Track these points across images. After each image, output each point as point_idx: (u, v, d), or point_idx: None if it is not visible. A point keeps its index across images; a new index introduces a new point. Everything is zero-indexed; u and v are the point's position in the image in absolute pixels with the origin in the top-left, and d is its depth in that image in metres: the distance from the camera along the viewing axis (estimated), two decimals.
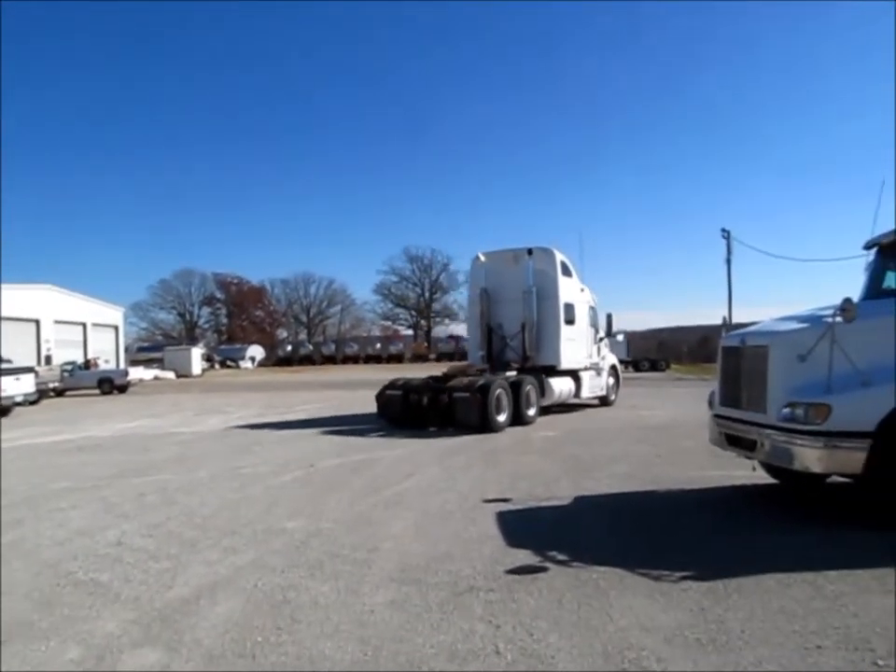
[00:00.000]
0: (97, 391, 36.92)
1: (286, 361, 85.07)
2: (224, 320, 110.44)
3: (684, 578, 5.15)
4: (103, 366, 44.37)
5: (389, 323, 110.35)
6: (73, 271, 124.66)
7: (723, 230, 46.87)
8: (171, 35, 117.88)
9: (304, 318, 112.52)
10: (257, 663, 3.97)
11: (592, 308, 20.13)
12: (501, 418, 15.44)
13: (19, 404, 24.24)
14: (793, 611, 4.48)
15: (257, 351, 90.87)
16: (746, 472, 8.45)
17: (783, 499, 8.00)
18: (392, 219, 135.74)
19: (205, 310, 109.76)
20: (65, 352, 46.54)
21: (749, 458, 7.58)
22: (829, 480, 7.39)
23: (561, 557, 5.73)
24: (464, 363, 19.28)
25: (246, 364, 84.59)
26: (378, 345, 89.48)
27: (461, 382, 15.84)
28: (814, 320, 6.94)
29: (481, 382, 15.47)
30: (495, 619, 4.47)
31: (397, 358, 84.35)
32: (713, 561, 5.58)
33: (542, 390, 17.28)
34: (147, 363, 62.10)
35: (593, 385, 20.04)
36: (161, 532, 6.97)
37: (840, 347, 6.29)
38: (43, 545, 6.62)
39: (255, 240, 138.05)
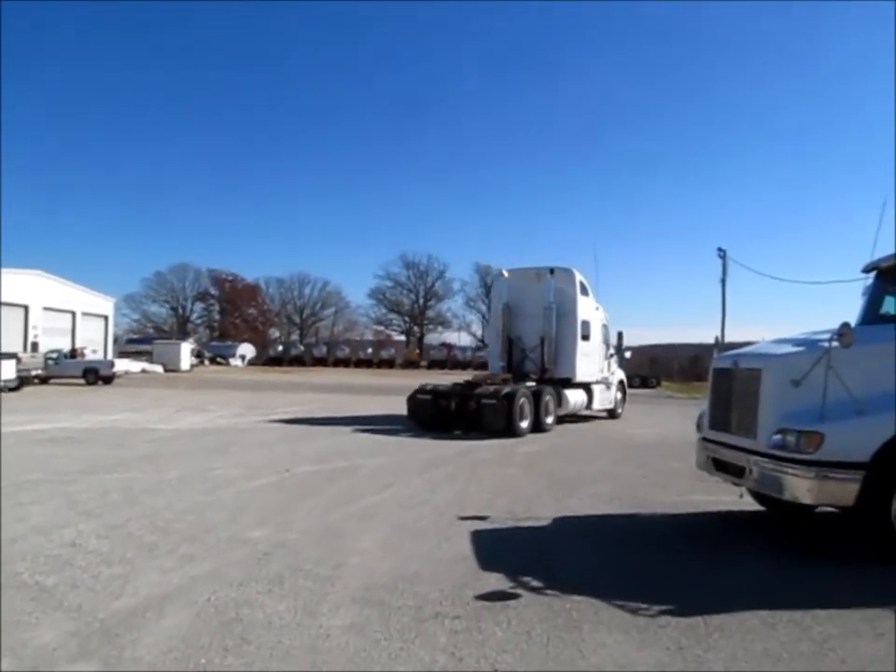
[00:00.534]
0: (82, 381, 36.52)
1: (276, 361, 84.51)
2: (217, 316, 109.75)
3: (663, 612, 4.85)
4: (90, 356, 43.99)
5: (382, 328, 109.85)
6: (66, 259, 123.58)
7: (719, 249, 46.63)
8: (171, 30, 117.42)
9: (297, 319, 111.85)
10: None
11: (604, 325, 21.22)
12: (524, 424, 16.56)
13: None
14: (778, 654, 4.20)
15: (247, 349, 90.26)
16: (733, 498, 8.17)
17: (770, 529, 7.73)
18: (391, 224, 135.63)
19: (198, 305, 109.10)
20: (53, 340, 46.03)
21: (736, 485, 7.31)
22: (818, 509, 7.13)
23: (535, 584, 5.43)
24: (487, 372, 20.19)
25: (236, 362, 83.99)
26: (370, 350, 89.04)
27: (488, 389, 16.95)
28: (809, 344, 6.68)
29: (507, 390, 16.61)
30: (458, 650, 4.16)
31: (388, 364, 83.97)
32: (695, 595, 5.28)
33: (559, 400, 18.36)
34: (136, 355, 61.50)
35: (603, 399, 21.07)
36: (119, 534, 6.65)
37: (836, 373, 6.02)
38: None
39: (252, 237, 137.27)
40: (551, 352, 19.13)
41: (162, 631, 4.36)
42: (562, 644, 4.30)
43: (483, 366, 78.64)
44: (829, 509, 6.75)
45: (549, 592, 5.24)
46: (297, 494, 8.79)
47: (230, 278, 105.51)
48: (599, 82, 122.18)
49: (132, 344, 75.11)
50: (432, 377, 58.46)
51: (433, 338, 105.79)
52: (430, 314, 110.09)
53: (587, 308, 19.94)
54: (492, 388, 16.97)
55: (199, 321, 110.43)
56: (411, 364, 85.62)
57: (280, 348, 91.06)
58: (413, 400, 18.00)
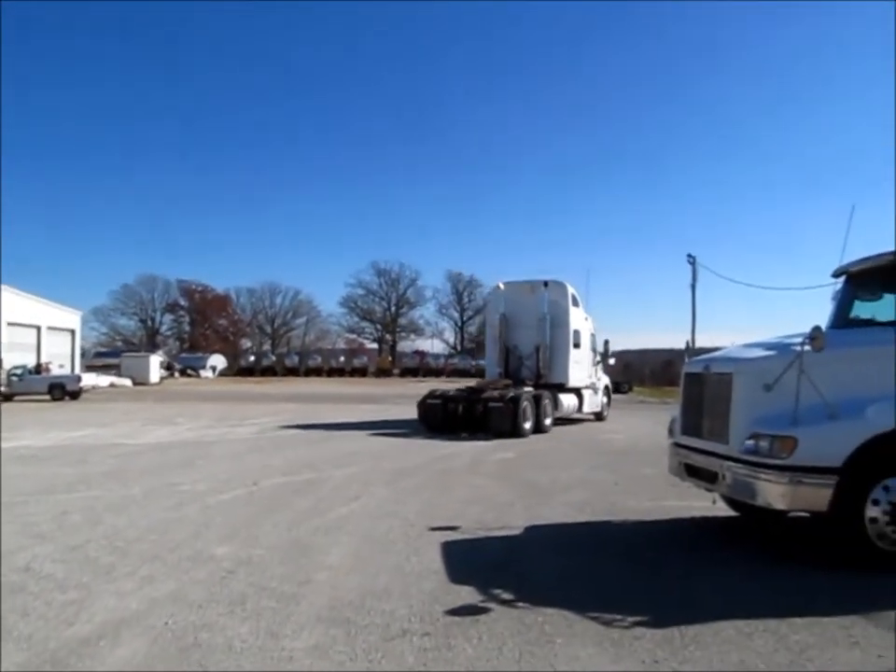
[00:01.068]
0: (48, 397, 35.79)
1: (247, 372, 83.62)
2: (187, 328, 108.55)
3: (637, 623, 4.73)
4: (56, 371, 43.13)
5: (354, 336, 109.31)
6: (31, 273, 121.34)
7: (689, 255, 47.09)
8: (130, 37, 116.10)
9: (269, 329, 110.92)
10: None
11: (592, 334, 23.08)
12: (527, 426, 18.11)
13: None
14: (754, 666, 4.09)
15: (218, 360, 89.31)
16: (705, 503, 8.10)
17: (743, 534, 7.67)
18: (362, 231, 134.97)
19: (168, 317, 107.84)
20: (18, 355, 45.05)
21: (709, 491, 7.23)
22: (790, 514, 7.07)
23: (506, 596, 5.28)
24: (489, 378, 21.27)
25: (207, 373, 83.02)
26: (342, 358, 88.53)
27: (493, 394, 18.35)
28: (781, 348, 6.63)
29: (511, 394, 18.14)
30: (426, 669, 4.00)
31: (360, 372, 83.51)
32: (669, 604, 5.17)
33: (555, 404, 20.01)
34: (104, 369, 60.56)
35: (591, 402, 22.80)
36: (76, 557, 6.38)
37: (808, 377, 5.97)
38: None
39: (221, 247, 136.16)
40: (545, 359, 20.50)
41: (116, 660, 4.14)
42: (534, 659, 4.16)
43: (457, 373, 79.39)
44: (801, 513, 6.70)
45: (520, 604, 5.11)
46: (264, 507, 8.58)
47: (199, 289, 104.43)
48: (571, 88, 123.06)
49: (99, 358, 73.98)
50: (405, 385, 58.63)
51: (406, 345, 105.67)
52: (403, 321, 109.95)
53: (578, 318, 21.52)
54: (497, 393, 18.31)
55: (168, 333, 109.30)
56: (383, 372, 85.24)
57: (252, 359, 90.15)
58: (423, 406, 19.32)
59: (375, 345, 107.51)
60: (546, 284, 20.72)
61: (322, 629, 4.62)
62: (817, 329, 5.92)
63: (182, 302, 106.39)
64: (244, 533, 7.25)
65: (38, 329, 51.43)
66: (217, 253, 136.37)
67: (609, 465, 12.81)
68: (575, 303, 21.33)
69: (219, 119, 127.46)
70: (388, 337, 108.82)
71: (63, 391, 36.55)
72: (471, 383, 21.96)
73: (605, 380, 24.76)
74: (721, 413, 6.71)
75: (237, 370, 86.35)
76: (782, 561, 6.42)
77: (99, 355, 78.48)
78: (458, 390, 19.89)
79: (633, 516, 8.31)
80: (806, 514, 6.61)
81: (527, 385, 19.66)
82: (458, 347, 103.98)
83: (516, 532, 7.48)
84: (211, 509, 8.49)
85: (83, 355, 64.45)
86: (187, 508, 8.53)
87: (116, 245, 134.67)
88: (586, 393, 22.25)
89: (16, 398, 35.13)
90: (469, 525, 7.72)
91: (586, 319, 22.45)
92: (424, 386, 55.57)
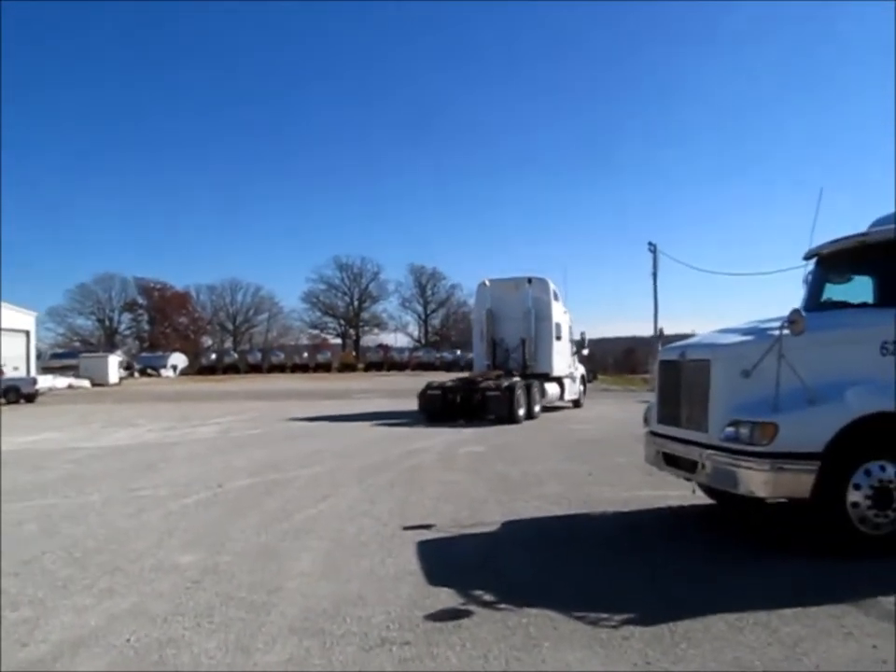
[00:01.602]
0: (2, 401, 34.74)
1: (209, 370, 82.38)
2: (146, 327, 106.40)
3: (625, 622, 4.55)
4: (10, 373, 41.98)
5: (317, 332, 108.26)
6: None
7: (650, 243, 47.51)
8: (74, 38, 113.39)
9: (230, 326, 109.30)
10: None
11: (570, 326, 24.69)
12: (521, 412, 19.55)
13: None
14: (750, 663, 3.93)
15: (179, 359, 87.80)
16: (681, 492, 8.04)
17: (723, 523, 7.57)
18: (322, 226, 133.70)
19: (126, 316, 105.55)
20: None
21: (688, 480, 7.11)
22: (769, 500, 6.97)
23: (487, 598, 5.07)
24: (481, 370, 22.31)
25: (168, 373, 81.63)
26: (305, 354, 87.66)
27: (490, 384, 19.71)
28: (758, 333, 6.51)
29: (507, 383, 19.59)
30: None
31: (324, 368, 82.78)
32: (655, 599, 5.02)
33: (542, 392, 21.42)
34: (62, 371, 59.17)
35: (571, 390, 24.49)
36: (31, 570, 6.01)
37: (787, 362, 5.84)
38: None
39: (180, 244, 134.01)
40: (531, 351, 21.99)
41: None
42: (522, 666, 3.96)
43: (422, 366, 79.15)
44: (780, 500, 6.60)
45: (503, 606, 4.90)
46: (230, 511, 8.26)
47: (158, 286, 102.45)
48: (527, 81, 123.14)
49: (56, 359, 72.25)
50: (371, 380, 58.28)
51: (370, 340, 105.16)
52: (366, 315, 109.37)
53: (559, 312, 23.13)
54: (493, 383, 19.75)
55: (127, 332, 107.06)
56: (347, 367, 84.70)
57: (213, 356, 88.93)
58: (423, 396, 20.48)
59: (339, 340, 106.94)
60: (530, 280, 22.15)
61: (295, 641, 4.37)
62: (796, 311, 5.79)
63: (140, 301, 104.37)
64: (209, 539, 6.94)
65: None
66: (175, 250, 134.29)
67: (582, 455, 12.69)
68: (556, 298, 22.86)
69: (175, 116, 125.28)
70: (352, 332, 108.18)
71: (17, 394, 35.51)
72: (464, 374, 23.87)
73: (581, 369, 26.42)
74: (699, 401, 6.57)
75: (199, 368, 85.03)
76: (764, 549, 6.33)
77: (56, 356, 76.57)
78: (454, 381, 21.18)
79: (610, 507, 8.16)
80: (785, 501, 6.53)
81: (514, 376, 20.77)
82: (422, 340, 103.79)
83: (492, 528, 7.28)
84: (174, 514, 8.15)
85: (39, 356, 62.79)
86: (148, 514, 8.17)
87: (71, 243, 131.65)
88: (567, 382, 23.84)
89: None
90: (443, 522, 7.50)
91: (565, 313, 24.00)
92: (389, 381, 55.62)
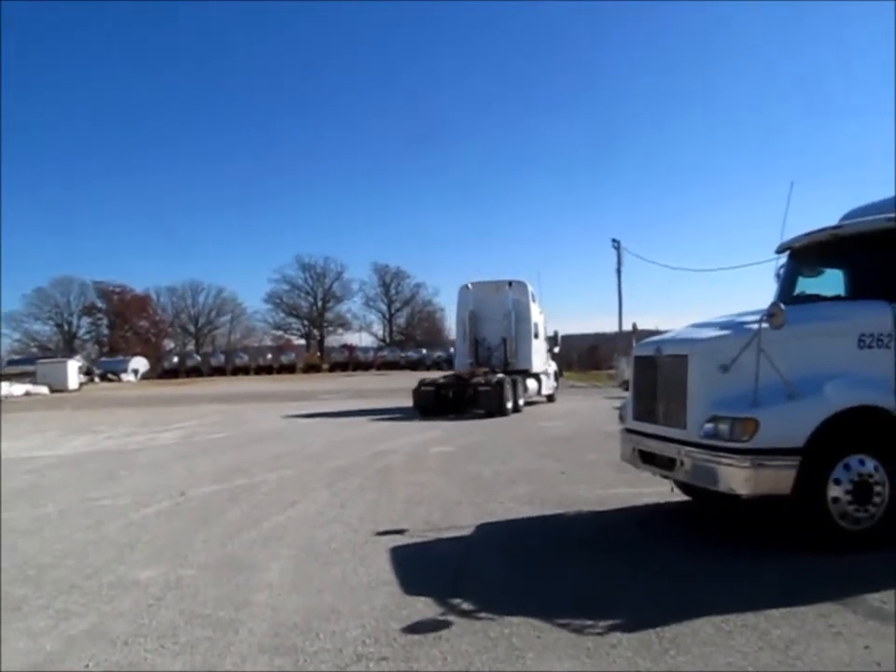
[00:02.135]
0: None
1: (172, 373, 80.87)
2: (105, 331, 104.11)
3: (611, 628, 4.38)
4: None
5: (281, 333, 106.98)
6: None
7: (614, 240, 47.86)
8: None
9: (192, 328, 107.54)
10: None
11: (545, 326, 26.25)
12: (509, 405, 21.05)
13: None
14: (743, 669, 3.79)
15: (140, 363, 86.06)
16: (656, 489, 7.95)
17: (701, 520, 7.46)
18: (283, 226, 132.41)
19: (85, 320, 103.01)
20: None
21: (665, 478, 6.99)
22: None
23: (466, 606, 4.88)
24: (466, 368, 23.32)
25: (129, 377, 79.98)
26: (269, 356, 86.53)
27: (480, 380, 21.26)
28: (735, 327, 6.40)
29: (496, 378, 21.19)
30: None
31: (289, 369, 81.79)
32: (639, 602, 4.87)
33: (525, 387, 22.94)
34: (19, 377, 57.72)
35: (547, 386, 25.88)
36: None
37: (767, 356, 5.73)
38: None
39: (138, 246, 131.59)
40: (512, 349, 23.46)
41: None
42: None
43: (387, 365, 78.86)
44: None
45: (483, 615, 4.70)
46: (194, 520, 7.94)
47: (117, 290, 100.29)
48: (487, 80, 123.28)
49: (13, 366, 70.47)
50: (336, 380, 57.70)
51: (334, 340, 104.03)
52: (330, 315, 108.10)
53: (536, 313, 24.68)
54: (483, 379, 21.27)
55: (87, 337, 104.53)
56: (312, 368, 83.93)
57: (175, 360, 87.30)
58: (418, 392, 22.09)
59: (303, 341, 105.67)
60: (510, 284, 23.86)
61: (266, 660, 4.12)
62: (776, 304, 5.70)
63: (99, 305, 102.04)
64: (171, 551, 6.63)
65: None
66: (134, 252, 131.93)
67: (553, 452, 12.56)
68: (533, 300, 24.48)
69: (133, 116, 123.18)
70: (316, 332, 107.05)
71: None
72: (448, 372, 25.64)
73: (553, 365, 27.92)
74: (677, 397, 6.44)
75: (161, 372, 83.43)
76: (744, 547, 6.21)
77: (13, 363, 74.71)
78: (445, 378, 23.15)
79: (585, 507, 8.01)
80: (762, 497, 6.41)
81: (498, 373, 22.11)
82: (387, 340, 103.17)
83: (467, 532, 7.07)
84: (135, 525, 7.81)
85: None
86: (107, 526, 7.81)
87: (27, 247, 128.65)
88: (543, 378, 25.30)
89: None
90: (416, 526, 7.29)
91: (541, 313, 25.51)
92: (354, 381, 55.20)
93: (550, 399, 26.81)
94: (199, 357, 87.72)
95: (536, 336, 24.43)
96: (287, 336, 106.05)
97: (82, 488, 10.39)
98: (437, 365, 67.92)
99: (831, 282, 7.71)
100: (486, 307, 23.80)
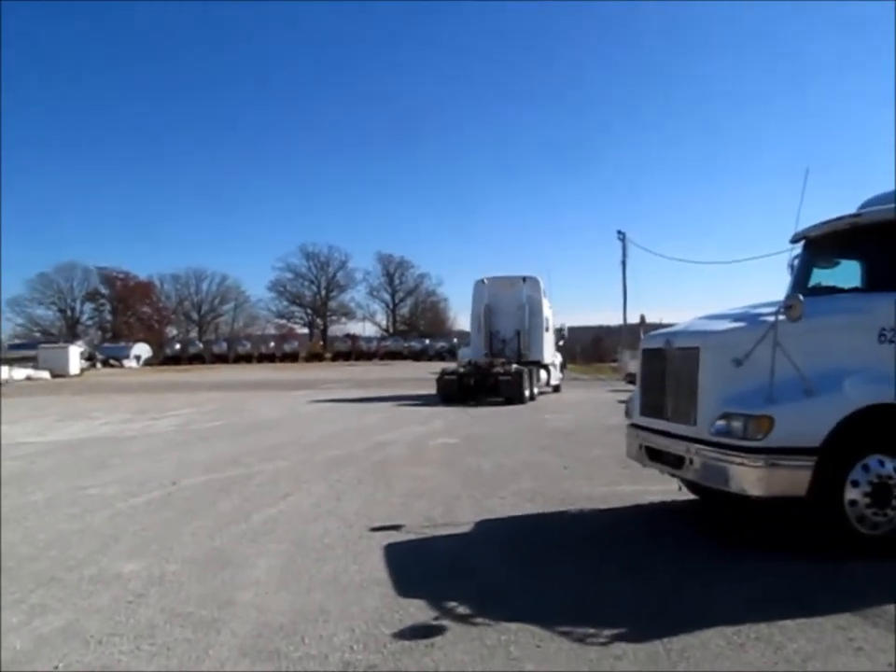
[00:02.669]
0: None
1: (174, 360, 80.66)
2: (108, 317, 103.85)
3: (615, 637, 4.11)
4: None
5: (284, 321, 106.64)
6: None
7: (619, 231, 47.50)
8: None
9: (195, 315, 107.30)
10: None
11: (553, 320, 27.53)
12: (527, 393, 22.61)
13: None
14: None
15: (142, 349, 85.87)
16: (662, 487, 7.68)
17: (708, 521, 7.17)
18: (288, 214, 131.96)
19: (88, 306, 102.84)
20: None
21: (673, 476, 6.70)
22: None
23: (462, 610, 4.60)
24: (488, 359, 24.27)
25: (131, 363, 79.80)
26: (272, 344, 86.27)
27: (500, 369, 22.75)
28: (750, 319, 6.10)
29: (515, 368, 22.85)
30: None
31: (291, 358, 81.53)
32: (644, 610, 4.58)
33: (538, 377, 24.43)
34: (21, 362, 57.52)
35: (555, 377, 27.40)
36: None
37: (783, 350, 5.43)
38: None
39: (143, 233, 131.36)
40: (525, 342, 24.94)
41: None
42: None
43: (390, 355, 78.70)
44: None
45: (479, 620, 4.43)
46: (183, 511, 7.68)
47: (121, 276, 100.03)
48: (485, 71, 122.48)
49: (15, 350, 70.25)
50: (338, 370, 57.41)
51: (337, 329, 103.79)
52: (333, 305, 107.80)
53: (547, 307, 26.14)
54: (503, 369, 22.75)
55: (90, 322, 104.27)
56: (315, 357, 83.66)
57: (178, 347, 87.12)
58: (441, 381, 23.59)
59: (306, 330, 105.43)
60: (524, 279, 25.27)
61: (246, 665, 3.85)
62: (794, 296, 5.40)
63: (103, 290, 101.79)
64: (157, 544, 6.37)
65: None
66: (138, 239, 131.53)
67: (556, 446, 12.28)
68: (544, 295, 25.97)
69: (137, 105, 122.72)
70: (319, 321, 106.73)
71: None
72: (458, 363, 26.88)
73: (559, 357, 29.41)
74: (687, 392, 6.15)
75: (163, 358, 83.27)
76: (756, 551, 5.92)
77: (15, 347, 74.55)
78: (466, 367, 24.14)
79: (588, 504, 7.73)
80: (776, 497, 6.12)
81: (513, 363, 23.46)
82: (391, 329, 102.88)
83: (466, 529, 6.81)
84: (122, 515, 7.55)
85: None
86: (93, 516, 7.55)
87: (31, 231, 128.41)
88: (552, 369, 26.77)
89: None
90: (414, 522, 7.02)
91: (550, 307, 26.86)
92: (356, 370, 54.95)
93: (556, 389, 27.81)
94: (201, 345, 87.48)
95: (546, 329, 25.87)
96: (290, 325, 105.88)
97: (72, 476, 10.14)
98: (439, 355, 67.72)
99: (846, 273, 7.41)
100: (501, 301, 25.20)
